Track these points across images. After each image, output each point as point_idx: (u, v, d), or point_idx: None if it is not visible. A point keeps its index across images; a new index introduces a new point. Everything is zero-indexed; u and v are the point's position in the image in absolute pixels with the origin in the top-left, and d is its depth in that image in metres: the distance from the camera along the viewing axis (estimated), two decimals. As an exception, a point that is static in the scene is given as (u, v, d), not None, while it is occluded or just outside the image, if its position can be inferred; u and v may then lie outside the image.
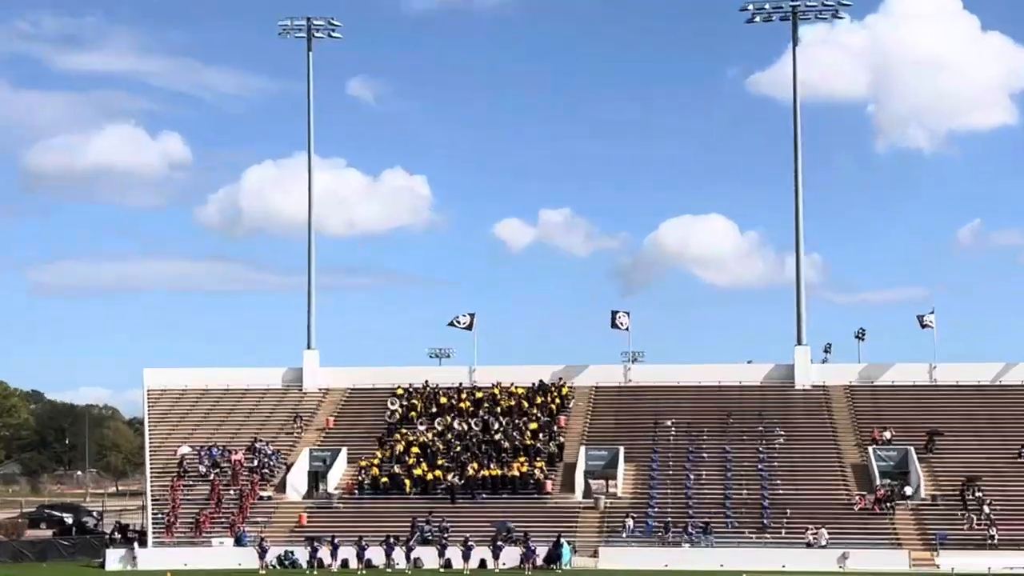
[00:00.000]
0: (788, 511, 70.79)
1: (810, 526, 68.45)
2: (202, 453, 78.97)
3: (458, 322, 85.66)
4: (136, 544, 71.64)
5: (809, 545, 67.23)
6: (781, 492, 73.04)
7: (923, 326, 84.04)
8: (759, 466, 75.65)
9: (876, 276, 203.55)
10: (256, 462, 78.35)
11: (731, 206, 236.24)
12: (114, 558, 70.64)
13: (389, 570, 67.24)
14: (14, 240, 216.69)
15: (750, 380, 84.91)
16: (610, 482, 77.76)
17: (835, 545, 67.05)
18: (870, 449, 75.70)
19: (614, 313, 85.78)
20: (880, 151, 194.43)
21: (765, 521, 70.22)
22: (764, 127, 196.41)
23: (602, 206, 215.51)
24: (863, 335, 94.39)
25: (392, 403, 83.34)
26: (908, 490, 71.67)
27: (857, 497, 71.63)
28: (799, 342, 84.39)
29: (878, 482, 72.82)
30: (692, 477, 74.86)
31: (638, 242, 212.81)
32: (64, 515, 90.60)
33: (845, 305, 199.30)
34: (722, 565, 66.30)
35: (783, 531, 69.24)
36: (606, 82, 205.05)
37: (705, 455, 77.11)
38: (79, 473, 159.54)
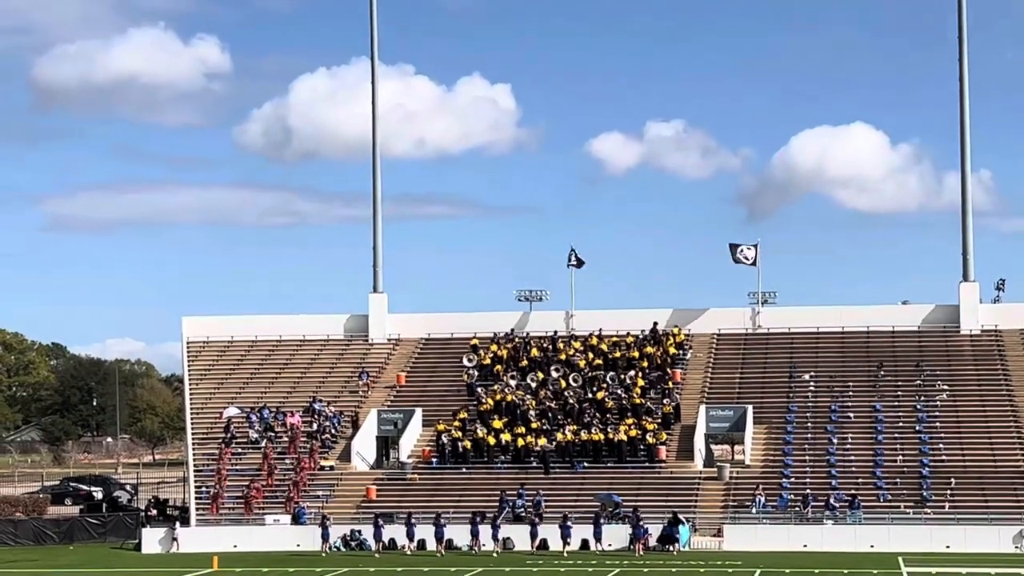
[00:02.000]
0: (953, 481, 70.41)
1: None
2: (252, 415, 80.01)
3: (576, 260, 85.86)
4: (177, 523, 72.82)
5: None
6: (944, 458, 72.63)
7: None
8: (917, 427, 75.25)
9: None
10: (315, 426, 79.23)
11: (878, 113, 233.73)
12: (152, 539, 71.89)
13: (474, 552, 67.76)
14: (25, 168, 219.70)
15: (905, 324, 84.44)
16: (736, 447, 77.73)
17: (1011, 521, 66.48)
18: (1053, 406, 74.90)
19: (733, 247, 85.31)
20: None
21: (925, 493, 69.84)
22: (916, 17, 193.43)
23: (721, 117, 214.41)
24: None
25: (473, 356, 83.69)
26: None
27: (1037, 464, 71.01)
28: (965, 278, 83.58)
29: (1063, 446, 72.07)
30: (835, 441, 74.61)
31: (765, 160, 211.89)
32: (92, 489, 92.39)
33: (1021, 233, 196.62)
34: (872, 546, 66.15)
35: (947, 505, 68.82)
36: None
37: (851, 415, 76.81)
38: (109, 440, 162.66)
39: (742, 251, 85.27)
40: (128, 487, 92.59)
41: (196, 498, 74.09)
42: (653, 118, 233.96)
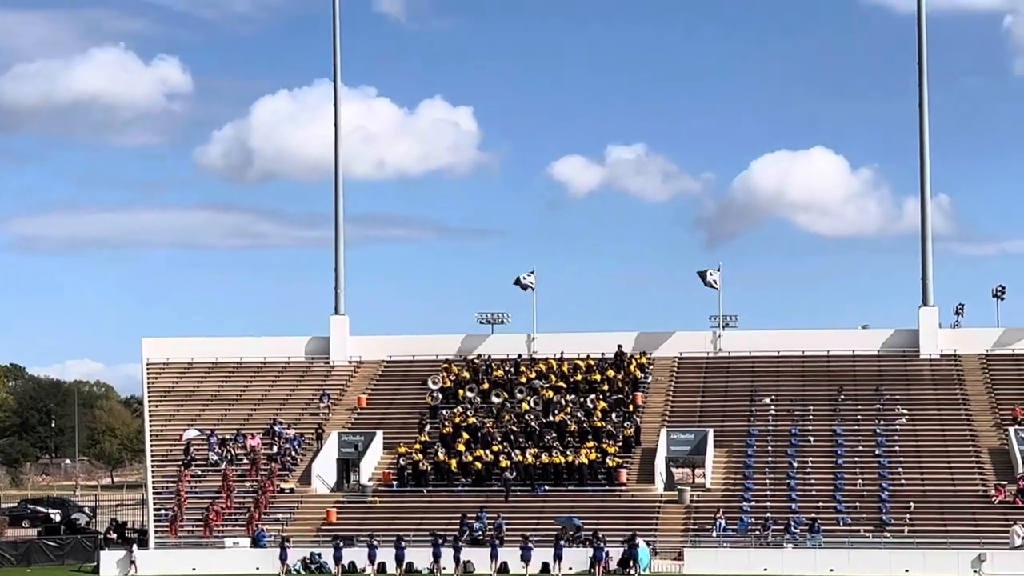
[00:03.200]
0: (912, 505, 70.65)
1: (1017, 523, 67.71)
2: (212, 438, 79.68)
3: (525, 281, 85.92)
4: (135, 545, 72.44)
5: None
6: (903, 482, 72.88)
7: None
8: (877, 451, 75.48)
9: (1017, 223, 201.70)
10: (275, 448, 78.99)
11: (839, 138, 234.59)
12: (110, 561, 71.58)
13: (435, 575, 67.63)
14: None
15: (865, 348, 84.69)
16: (697, 471, 77.82)
17: (969, 546, 66.71)
18: (1011, 430, 75.22)
19: (701, 273, 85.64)
20: (1019, 72, 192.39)
21: (884, 517, 70.06)
22: (876, 42, 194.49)
23: (681, 141, 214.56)
24: (1002, 293, 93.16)
25: (436, 378, 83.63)
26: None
27: (995, 488, 71.25)
28: (925, 302, 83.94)
29: (1021, 469, 72.35)
30: (796, 465, 74.78)
31: (725, 184, 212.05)
32: (51, 511, 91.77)
33: (979, 258, 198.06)
34: (832, 570, 66.33)
35: (906, 529, 69.04)
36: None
37: (811, 438, 77.00)
38: (67, 462, 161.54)
39: (711, 275, 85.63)
40: (86, 509, 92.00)
41: (155, 521, 73.72)
42: (614, 142, 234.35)
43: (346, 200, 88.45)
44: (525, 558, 66.87)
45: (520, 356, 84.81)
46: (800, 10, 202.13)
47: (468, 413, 79.75)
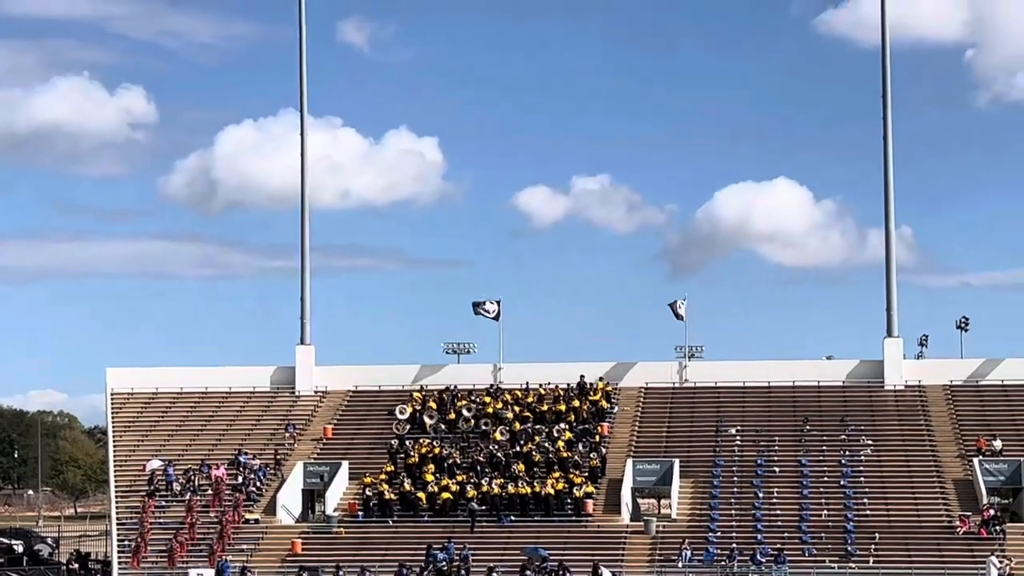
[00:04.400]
0: (877, 535, 70.73)
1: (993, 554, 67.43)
2: (175, 468, 79.25)
3: (486, 310, 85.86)
4: (98, 576, 71.96)
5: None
6: (868, 513, 72.97)
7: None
8: (842, 482, 75.59)
9: (980, 255, 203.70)
10: (240, 479, 78.62)
11: (802, 170, 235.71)
12: (73, 593, 70.99)
13: (399, 607, 67.43)
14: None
15: (830, 379, 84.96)
16: (663, 501, 77.79)
17: (933, 576, 66.93)
18: (975, 461, 75.47)
19: (671, 305, 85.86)
20: (981, 105, 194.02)
21: (849, 547, 70.10)
22: (838, 75, 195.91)
23: (646, 172, 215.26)
24: (966, 325, 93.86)
25: (402, 409, 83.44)
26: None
27: (959, 519, 71.40)
28: (889, 334, 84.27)
29: (985, 501, 72.58)
30: (761, 495, 74.83)
31: (689, 215, 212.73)
32: (13, 542, 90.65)
33: (943, 289, 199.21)
34: (798, 600, 66.31)
35: (871, 559, 69.09)
36: (649, 25, 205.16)
37: (777, 469, 77.07)
38: (30, 492, 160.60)
39: (679, 306, 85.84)
40: (49, 540, 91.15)
41: (119, 551, 73.24)
42: (579, 172, 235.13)
43: (311, 230, 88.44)
44: (491, 589, 66.65)
45: (487, 386, 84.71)
46: (764, 43, 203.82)
47: (434, 443, 79.56)
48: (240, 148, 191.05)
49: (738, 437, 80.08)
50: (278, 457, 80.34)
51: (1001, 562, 66.13)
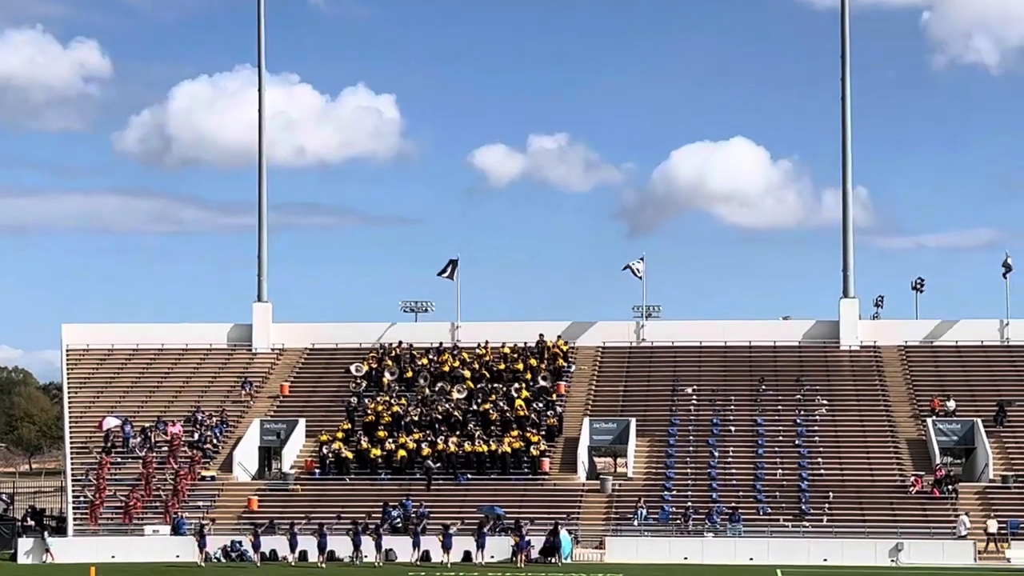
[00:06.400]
0: (831, 495, 71.19)
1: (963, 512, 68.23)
2: (132, 425, 78.98)
3: (448, 273, 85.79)
4: (45, 532, 71.60)
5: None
6: (823, 472, 73.42)
7: (1007, 270, 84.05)
8: (796, 441, 76.02)
9: (935, 216, 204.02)
10: (197, 436, 78.43)
11: (759, 129, 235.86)
12: (27, 548, 70.75)
13: (356, 563, 67.43)
14: None
15: (786, 339, 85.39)
16: (619, 460, 78.09)
17: (887, 535, 67.35)
18: (929, 421, 75.97)
19: (629, 266, 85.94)
20: (937, 68, 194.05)
21: (804, 507, 70.57)
22: (797, 35, 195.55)
23: (603, 131, 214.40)
24: (921, 286, 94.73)
25: (359, 367, 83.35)
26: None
27: (913, 478, 71.92)
28: (845, 294, 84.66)
29: (938, 460, 73.13)
30: (717, 454, 75.17)
31: (646, 174, 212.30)
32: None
33: (899, 251, 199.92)
34: (752, 559, 66.70)
35: (825, 519, 69.57)
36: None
37: (732, 428, 77.44)
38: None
39: (635, 265, 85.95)
40: (4, 496, 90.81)
41: (74, 508, 72.98)
42: (536, 131, 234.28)
43: (268, 187, 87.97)
44: (446, 546, 66.72)
45: (443, 344, 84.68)
46: (722, 2, 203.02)
47: (391, 401, 79.53)
48: (195, 104, 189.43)
49: (694, 397, 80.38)
50: (235, 414, 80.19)
51: (972, 521, 66.85)
